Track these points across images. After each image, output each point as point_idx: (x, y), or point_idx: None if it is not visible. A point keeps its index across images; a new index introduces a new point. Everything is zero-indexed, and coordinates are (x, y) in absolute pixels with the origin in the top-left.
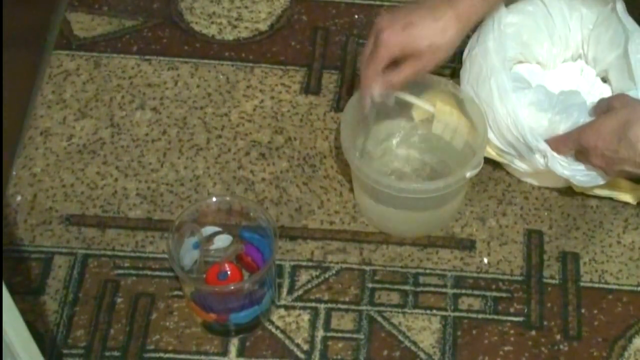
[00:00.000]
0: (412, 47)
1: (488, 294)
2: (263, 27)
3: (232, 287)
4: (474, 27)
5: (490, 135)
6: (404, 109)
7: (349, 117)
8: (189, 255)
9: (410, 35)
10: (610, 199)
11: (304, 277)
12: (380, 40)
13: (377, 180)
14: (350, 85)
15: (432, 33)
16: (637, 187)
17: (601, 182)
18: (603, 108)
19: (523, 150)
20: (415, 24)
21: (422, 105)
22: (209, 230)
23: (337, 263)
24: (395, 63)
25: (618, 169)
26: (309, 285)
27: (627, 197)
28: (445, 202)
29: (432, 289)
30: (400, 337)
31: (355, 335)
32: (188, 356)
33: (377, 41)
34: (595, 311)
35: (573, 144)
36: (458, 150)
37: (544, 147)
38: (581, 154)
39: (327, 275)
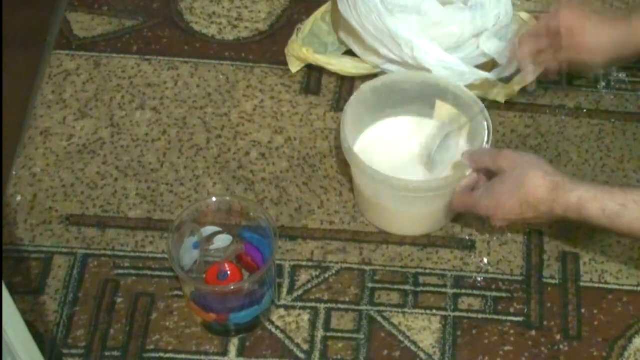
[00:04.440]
0: (576, 30)
1: (488, 294)
2: (263, 27)
3: (232, 287)
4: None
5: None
6: (406, 106)
7: (349, 117)
8: (189, 255)
9: (579, 20)
10: None
11: (304, 277)
12: (555, 11)
13: (378, 179)
14: (350, 85)
15: (598, 29)
16: (505, 86)
17: (466, 82)
18: (488, 164)
19: (390, 44)
20: (589, 17)
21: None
22: (209, 230)
23: (337, 263)
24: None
25: (520, 223)
26: (309, 285)
27: (497, 97)
28: (445, 200)
29: (432, 289)
30: (400, 337)
31: (355, 335)
32: (188, 356)
33: (553, 12)
34: (595, 311)
35: (473, 212)
36: (458, 148)
37: (409, 36)
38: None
39: (327, 275)
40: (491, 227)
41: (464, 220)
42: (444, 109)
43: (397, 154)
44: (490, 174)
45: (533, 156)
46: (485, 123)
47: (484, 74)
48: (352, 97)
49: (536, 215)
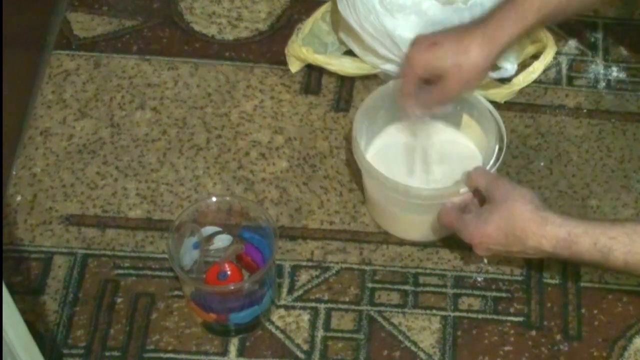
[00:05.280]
0: (435, 65)
1: (488, 294)
2: (263, 27)
3: (232, 287)
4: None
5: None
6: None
7: (361, 117)
8: (189, 255)
9: (433, 54)
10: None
11: (304, 277)
12: (407, 59)
13: (388, 184)
14: (350, 85)
15: (454, 51)
16: (505, 86)
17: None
18: (481, 187)
19: (389, 44)
20: (440, 43)
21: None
22: (209, 230)
23: (337, 263)
24: (431, 82)
25: (505, 256)
26: (309, 285)
27: (497, 97)
28: None
29: (432, 289)
30: (400, 337)
31: (355, 335)
32: (188, 356)
33: (405, 59)
34: (595, 311)
35: (457, 233)
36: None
37: (407, 36)
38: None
39: (327, 275)
40: (473, 255)
41: None
42: (469, 124)
43: (408, 158)
44: (482, 199)
45: (526, 189)
46: (497, 146)
47: None
48: (366, 100)
49: (522, 249)
